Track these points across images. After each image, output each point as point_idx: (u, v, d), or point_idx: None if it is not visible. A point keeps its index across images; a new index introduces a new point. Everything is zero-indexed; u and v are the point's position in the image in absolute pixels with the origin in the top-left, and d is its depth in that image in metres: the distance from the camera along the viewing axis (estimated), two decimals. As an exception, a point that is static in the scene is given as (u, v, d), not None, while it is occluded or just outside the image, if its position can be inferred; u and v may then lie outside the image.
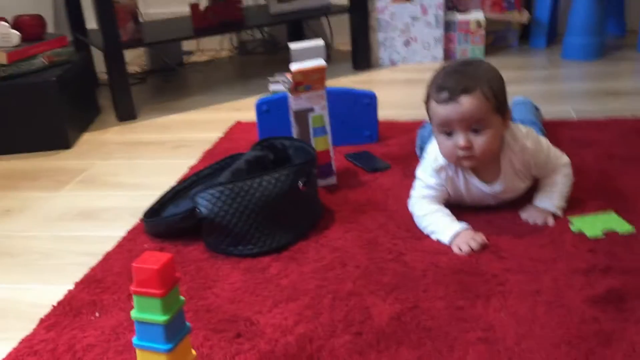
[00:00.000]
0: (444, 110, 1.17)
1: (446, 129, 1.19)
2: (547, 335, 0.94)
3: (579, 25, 2.45)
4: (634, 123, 1.73)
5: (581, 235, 1.20)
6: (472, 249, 1.17)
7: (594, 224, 1.22)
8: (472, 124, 1.16)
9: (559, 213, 1.26)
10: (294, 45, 1.39)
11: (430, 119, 1.24)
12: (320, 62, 1.40)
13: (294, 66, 1.38)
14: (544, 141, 1.27)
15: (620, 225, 1.21)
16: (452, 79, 1.17)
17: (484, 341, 0.94)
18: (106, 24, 2.07)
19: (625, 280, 1.05)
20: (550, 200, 1.27)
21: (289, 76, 1.41)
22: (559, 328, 0.95)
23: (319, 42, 1.40)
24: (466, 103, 1.15)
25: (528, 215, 1.27)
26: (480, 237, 1.19)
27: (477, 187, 1.27)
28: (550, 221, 1.25)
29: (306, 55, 1.40)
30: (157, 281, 0.79)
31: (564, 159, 1.28)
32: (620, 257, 1.12)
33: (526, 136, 1.24)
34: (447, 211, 1.26)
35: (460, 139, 1.17)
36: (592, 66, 2.38)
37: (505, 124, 1.21)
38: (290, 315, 1.04)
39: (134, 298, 0.80)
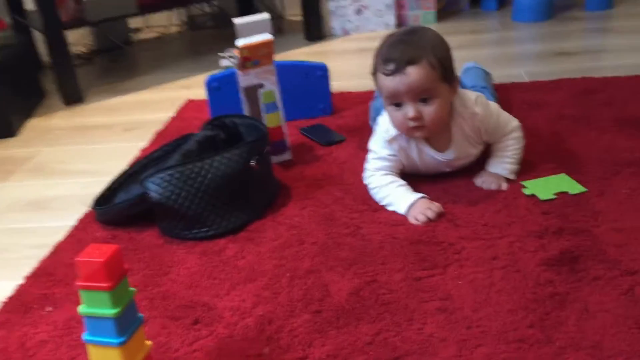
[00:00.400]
0: (391, 82, 1.15)
1: (395, 100, 1.18)
2: (504, 301, 0.95)
3: (528, -13, 2.45)
4: (583, 83, 1.75)
5: (534, 198, 1.21)
6: (429, 219, 1.17)
7: (546, 187, 1.23)
8: (420, 94, 1.15)
9: (512, 177, 1.27)
10: (238, 20, 1.35)
11: (378, 90, 1.22)
12: (267, 36, 1.37)
13: (240, 42, 1.34)
14: (494, 106, 1.27)
15: (571, 186, 1.22)
16: (397, 50, 1.15)
17: (443, 311, 0.94)
18: (44, 4, 1.98)
19: (577, 241, 1.06)
20: (503, 164, 1.27)
21: (236, 52, 1.37)
22: (514, 293, 0.96)
23: (265, 16, 1.37)
24: (413, 74, 1.13)
25: (482, 181, 1.27)
26: (436, 206, 1.19)
27: (430, 156, 1.26)
28: (504, 186, 1.25)
29: (252, 29, 1.37)
30: (103, 274, 0.76)
31: (514, 122, 1.29)
32: (572, 218, 1.13)
33: (475, 102, 1.24)
34: (402, 182, 1.26)
35: (409, 110, 1.16)
36: (542, 27, 2.40)
37: (454, 91, 1.20)
38: (248, 297, 1.02)
39: (81, 293, 0.77)
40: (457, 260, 1.06)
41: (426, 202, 1.20)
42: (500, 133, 1.27)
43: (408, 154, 1.27)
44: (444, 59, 1.16)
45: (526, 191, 1.23)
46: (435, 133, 1.22)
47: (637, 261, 1.00)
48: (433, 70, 1.14)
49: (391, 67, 1.15)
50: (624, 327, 0.87)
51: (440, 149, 1.26)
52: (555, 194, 1.20)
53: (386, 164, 1.27)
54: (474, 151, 1.29)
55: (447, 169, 1.30)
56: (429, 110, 1.17)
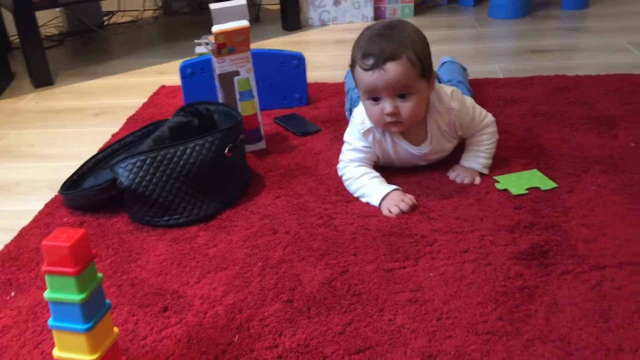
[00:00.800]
0: (370, 77, 1.14)
1: (372, 95, 1.17)
2: (474, 294, 0.95)
3: (505, -16, 2.47)
4: (557, 80, 1.77)
5: (506, 193, 1.22)
6: (402, 211, 1.17)
7: (518, 182, 1.24)
8: (398, 90, 1.15)
9: (486, 171, 1.28)
10: (214, 6, 1.33)
11: (356, 84, 1.22)
12: (243, 22, 1.35)
13: (216, 27, 1.32)
14: (469, 101, 1.28)
15: (543, 182, 1.24)
16: (377, 45, 1.14)
17: (413, 302, 0.94)
18: (14, -17, 1.92)
19: (548, 236, 1.08)
20: (477, 159, 1.28)
21: (211, 39, 1.35)
22: (485, 286, 0.97)
23: (242, 2, 1.34)
24: (392, 70, 1.12)
25: (456, 174, 1.28)
26: (409, 199, 1.19)
27: (405, 149, 1.26)
28: (477, 180, 1.26)
29: (229, 15, 1.34)
30: (70, 259, 0.74)
31: (489, 117, 1.29)
32: (543, 213, 1.14)
33: (451, 97, 1.24)
34: (376, 174, 1.25)
35: (387, 106, 1.16)
36: (518, 24, 2.42)
37: (431, 87, 1.20)
38: (218, 286, 1.01)
39: (47, 278, 0.75)
40: (429, 253, 1.06)
41: (399, 195, 1.20)
42: (475, 128, 1.28)
43: (383, 146, 1.27)
44: (423, 55, 1.15)
45: (499, 186, 1.24)
46: (411, 128, 1.22)
47: (605, 257, 1.01)
48: (412, 66, 1.13)
49: (370, 62, 1.14)
50: (591, 320, 0.88)
51: (415, 142, 1.26)
52: (527, 189, 1.22)
53: (360, 155, 1.27)
54: (449, 145, 1.29)
55: (422, 163, 1.31)
56: (406, 106, 1.16)
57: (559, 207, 1.16)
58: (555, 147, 1.38)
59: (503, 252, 1.04)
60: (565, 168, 1.29)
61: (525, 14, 2.50)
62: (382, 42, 1.14)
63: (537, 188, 1.22)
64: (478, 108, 1.28)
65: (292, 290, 0.99)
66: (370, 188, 1.22)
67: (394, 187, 1.21)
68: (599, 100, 1.60)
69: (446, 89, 1.25)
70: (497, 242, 1.07)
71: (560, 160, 1.33)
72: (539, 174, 1.27)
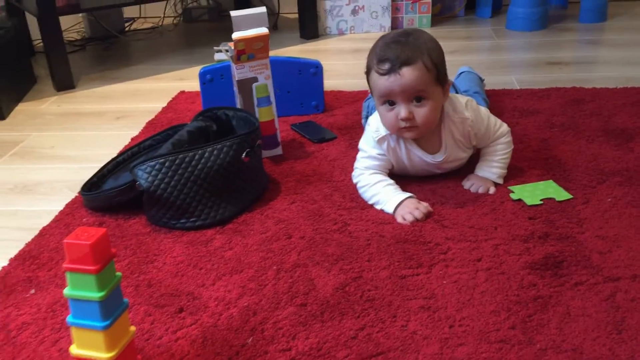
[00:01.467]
0: (385, 82, 1.16)
1: (388, 99, 1.18)
2: (487, 302, 0.96)
3: (523, -4, 2.48)
4: (573, 92, 1.77)
5: (521, 203, 1.22)
6: (416, 219, 1.18)
7: (533, 193, 1.24)
8: (414, 95, 1.16)
9: (500, 181, 1.29)
10: (235, 13, 1.35)
11: (371, 90, 1.23)
12: (263, 29, 1.37)
13: (236, 34, 1.34)
14: (484, 111, 1.28)
15: (558, 193, 1.24)
16: (393, 50, 1.15)
17: (426, 309, 0.95)
18: (39, -12, 1.96)
19: (562, 246, 1.08)
20: (491, 169, 1.29)
21: (231, 45, 1.37)
22: (498, 294, 0.97)
23: (262, 10, 1.36)
24: (407, 74, 1.14)
25: (470, 184, 1.28)
26: (423, 207, 1.20)
27: (419, 158, 1.27)
28: (492, 189, 1.27)
29: (249, 23, 1.37)
30: (90, 257, 0.76)
31: (504, 127, 1.30)
32: (557, 224, 1.14)
33: (466, 107, 1.25)
34: (391, 181, 1.26)
35: (402, 110, 1.17)
36: (535, 36, 2.42)
37: (446, 94, 1.21)
38: (233, 288, 1.03)
39: (67, 275, 0.77)
40: (443, 260, 1.06)
41: (414, 202, 1.21)
42: (490, 138, 1.28)
43: (397, 154, 1.28)
44: (438, 62, 1.17)
45: (513, 196, 1.24)
46: (425, 134, 1.23)
47: (619, 268, 1.01)
48: (427, 71, 1.15)
49: (386, 66, 1.15)
50: (604, 332, 0.88)
51: (429, 151, 1.27)
52: (542, 200, 1.22)
53: (375, 163, 1.28)
54: (464, 155, 1.30)
55: (437, 171, 1.31)
56: (421, 112, 1.17)
57: (574, 218, 1.16)
58: (571, 159, 1.38)
59: (517, 262, 1.05)
60: (580, 179, 1.29)
61: (542, 26, 2.50)
62: (398, 47, 1.15)
63: (552, 199, 1.22)
64: (493, 118, 1.29)
65: (306, 295, 1.00)
66: (384, 195, 1.23)
67: (409, 194, 1.22)
68: (615, 113, 1.60)
69: (461, 99, 1.26)
70: (511, 252, 1.07)
71: (575, 171, 1.33)
72: (555, 184, 1.27)
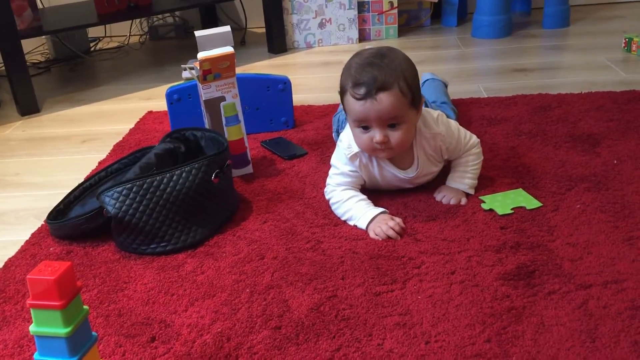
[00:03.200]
0: (361, 107, 1.15)
1: (363, 124, 1.18)
2: (462, 316, 0.95)
3: (487, 4, 2.50)
4: (540, 99, 1.79)
5: (492, 213, 1.22)
6: (388, 235, 1.17)
7: (504, 202, 1.25)
8: (389, 121, 1.16)
9: (471, 192, 1.29)
10: (199, 33, 1.34)
11: (345, 111, 1.22)
12: (228, 48, 1.36)
13: (201, 54, 1.33)
14: (454, 125, 1.29)
15: (528, 201, 1.25)
16: (368, 74, 1.13)
17: (402, 326, 0.95)
18: (0, 13, 1.92)
19: (533, 255, 1.08)
20: (462, 180, 1.29)
21: (197, 64, 1.36)
22: (472, 307, 0.97)
23: (226, 29, 1.36)
24: (384, 100, 1.13)
25: (442, 196, 1.29)
26: (395, 223, 1.19)
27: (392, 174, 1.27)
28: (464, 200, 1.27)
29: (213, 42, 1.36)
30: (55, 292, 0.74)
31: (474, 139, 1.31)
32: (528, 233, 1.15)
33: (437, 122, 1.25)
34: (363, 197, 1.26)
35: (377, 135, 1.16)
36: (500, 44, 2.45)
37: (419, 113, 1.21)
38: (207, 314, 1.01)
39: (32, 312, 0.75)
40: (417, 275, 1.06)
41: (386, 218, 1.20)
42: (460, 150, 1.29)
43: (369, 170, 1.27)
44: (413, 84, 1.16)
45: (485, 206, 1.25)
46: (399, 154, 1.23)
47: (590, 275, 1.02)
48: (403, 97, 1.14)
49: (362, 91, 1.14)
50: (578, 341, 0.89)
51: (401, 167, 1.27)
52: (513, 209, 1.23)
53: (347, 179, 1.28)
54: (435, 169, 1.31)
55: (409, 186, 1.31)
56: (396, 135, 1.17)
57: (544, 226, 1.17)
58: (539, 166, 1.39)
59: (490, 273, 1.05)
60: (549, 187, 1.30)
61: (507, 33, 2.53)
62: (374, 71, 1.13)
63: (522, 207, 1.23)
64: (463, 131, 1.30)
65: (281, 317, 0.99)
66: (357, 211, 1.23)
67: (381, 209, 1.22)
68: (581, 118, 1.62)
69: (432, 113, 1.27)
70: (484, 263, 1.08)
71: (544, 179, 1.34)
72: (524, 193, 1.28)
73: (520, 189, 1.29)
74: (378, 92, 1.13)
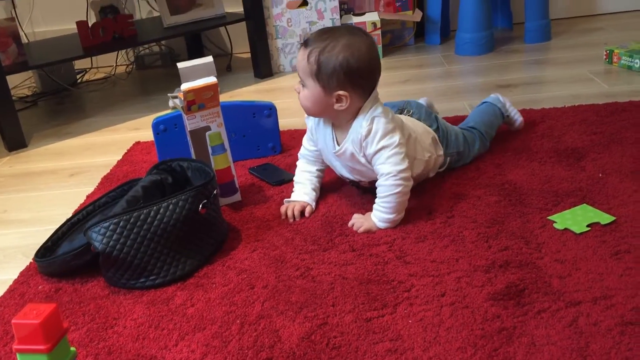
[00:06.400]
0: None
1: None
2: (453, 339, 0.95)
3: (468, 21, 2.53)
4: (524, 114, 1.78)
5: (478, 232, 1.22)
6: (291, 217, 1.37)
7: (575, 220, 1.22)
8: (299, 76, 1.29)
9: (382, 225, 1.28)
10: (182, 65, 1.35)
11: None
12: (211, 79, 1.37)
13: (184, 85, 1.34)
14: (390, 140, 1.26)
15: (600, 217, 1.22)
16: (312, 34, 1.28)
17: (393, 352, 0.94)
18: (-16, 49, 1.93)
19: (522, 274, 1.09)
20: (375, 210, 1.29)
21: (181, 96, 1.37)
22: (463, 330, 0.97)
23: (208, 59, 1.37)
24: (299, 55, 1.29)
25: (353, 221, 1.31)
26: (293, 210, 1.37)
27: (325, 142, 1.36)
28: (373, 229, 1.28)
29: (197, 73, 1.37)
30: (41, 336, 0.74)
31: (393, 168, 1.25)
32: (517, 250, 1.15)
33: (376, 122, 1.26)
34: (306, 177, 1.43)
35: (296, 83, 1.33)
36: (483, 60, 2.47)
37: (329, 95, 1.25)
38: (197, 347, 1.00)
39: (18, 356, 0.75)
40: (407, 299, 1.06)
41: (298, 205, 1.38)
42: (376, 163, 1.28)
43: (319, 133, 1.37)
44: (325, 64, 1.23)
45: (558, 226, 1.21)
46: (312, 115, 1.35)
47: (580, 292, 1.02)
48: (307, 63, 1.25)
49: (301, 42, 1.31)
50: (569, 359, 0.88)
51: (338, 139, 1.34)
52: (588, 226, 1.20)
53: (307, 152, 1.45)
54: (359, 162, 1.31)
55: (347, 174, 1.38)
56: (301, 94, 1.30)
57: (532, 243, 1.17)
58: (526, 182, 1.40)
59: (480, 294, 1.05)
60: (536, 203, 1.31)
61: (490, 49, 2.56)
62: (316, 33, 1.28)
63: (597, 223, 1.20)
64: (393, 152, 1.26)
65: (272, 348, 0.98)
66: (295, 188, 1.43)
67: (303, 197, 1.40)
68: (565, 132, 1.64)
69: (377, 112, 1.27)
70: (474, 284, 1.08)
71: (531, 195, 1.35)
72: (591, 208, 1.25)
73: (585, 204, 1.27)
74: (300, 47, 1.29)
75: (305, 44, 1.27)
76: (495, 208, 1.31)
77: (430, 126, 1.45)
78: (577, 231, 1.19)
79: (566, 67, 2.24)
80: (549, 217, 1.25)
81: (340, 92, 1.25)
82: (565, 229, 1.20)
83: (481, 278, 1.09)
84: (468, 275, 1.10)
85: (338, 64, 1.23)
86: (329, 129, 1.34)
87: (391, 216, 1.27)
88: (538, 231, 1.21)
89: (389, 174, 1.26)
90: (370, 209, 1.31)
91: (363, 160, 1.30)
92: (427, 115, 1.48)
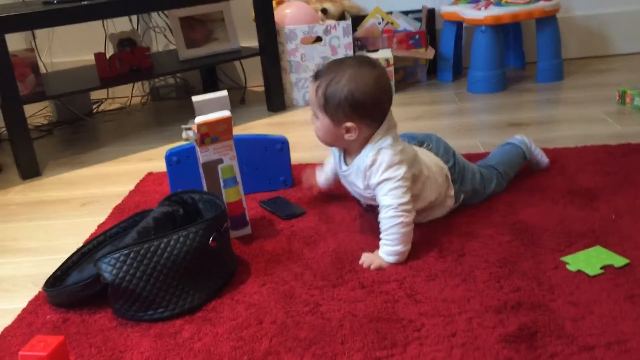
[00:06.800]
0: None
1: None
2: (464, 381, 0.94)
3: (481, 60, 2.55)
4: (536, 153, 1.80)
5: (489, 272, 1.21)
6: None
7: (589, 262, 1.20)
8: (312, 108, 1.35)
9: (390, 259, 1.27)
10: (196, 98, 1.37)
11: None
12: (225, 112, 1.38)
13: (199, 118, 1.35)
14: (395, 172, 1.28)
15: (614, 259, 1.21)
16: (325, 65, 1.33)
17: (402, 393, 0.93)
18: (2, 78, 1.96)
19: (535, 315, 1.07)
20: (382, 245, 1.29)
21: (194, 128, 1.38)
22: (474, 372, 0.95)
23: (223, 93, 1.39)
24: (310, 88, 1.33)
25: (363, 259, 1.30)
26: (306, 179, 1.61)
27: (338, 162, 1.41)
28: (384, 265, 1.27)
29: (211, 107, 1.38)
30: (47, 369, 0.73)
31: (393, 201, 1.27)
32: (529, 292, 1.14)
33: (382, 153, 1.29)
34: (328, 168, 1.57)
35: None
36: (496, 98, 2.48)
37: (338, 127, 1.30)
38: (203, 383, 0.99)
39: (24, 388, 0.74)
40: (417, 338, 1.05)
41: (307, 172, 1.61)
42: (378, 194, 1.30)
43: (333, 147, 1.43)
44: (332, 96, 1.28)
45: (571, 267, 1.20)
46: (327, 145, 1.40)
47: (593, 336, 1.00)
48: (316, 96, 1.31)
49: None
50: (583, 406, 0.86)
51: (347, 162, 1.39)
52: (602, 268, 1.18)
53: (330, 159, 1.54)
54: (361, 185, 1.34)
55: (359, 197, 1.42)
56: (315, 125, 1.36)
57: (545, 285, 1.16)
58: (538, 222, 1.39)
59: (491, 335, 1.03)
60: (549, 243, 1.30)
61: (502, 88, 2.57)
62: (325, 65, 1.33)
63: (611, 265, 1.19)
64: (396, 184, 1.27)
65: (279, 385, 0.97)
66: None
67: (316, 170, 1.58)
68: (578, 172, 1.63)
69: (385, 143, 1.29)
70: (485, 325, 1.06)
71: (543, 235, 1.33)
72: (605, 250, 1.24)
73: (598, 246, 1.25)
74: (311, 79, 1.33)
75: (315, 76, 1.32)
76: (507, 247, 1.30)
77: (447, 162, 1.45)
78: (591, 273, 1.17)
79: (578, 107, 2.25)
80: (562, 258, 1.23)
81: (348, 124, 1.30)
82: (579, 271, 1.19)
83: (493, 319, 1.07)
84: (479, 316, 1.09)
85: (343, 97, 1.27)
86: (340, 152, 1.41)
87: (397, 248, 1.27)
88: (551, 272, 1.19)
89: (390, 206, 1.27)
90: (382, 246, 1.30)
91: (362, 187, 1.35)
92: (445, 150, 1.48)
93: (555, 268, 1.21)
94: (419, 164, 1.34)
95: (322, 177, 1.59)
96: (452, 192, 1.43)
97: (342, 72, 1.28)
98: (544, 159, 1.66)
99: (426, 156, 1.41)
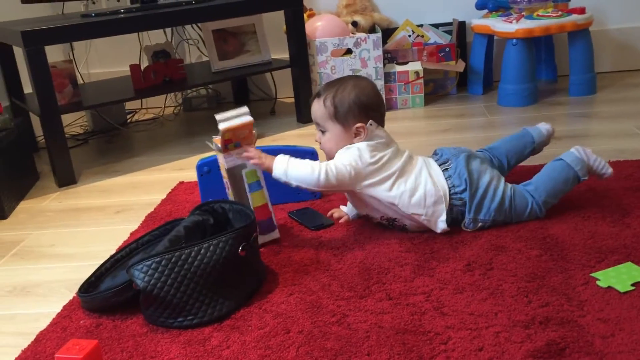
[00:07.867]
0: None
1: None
2: (490, 396, 0.93)
3: (512, 73, 2.54)
4: (567, 168, 1.78)
5: (517, 286, 1.21)
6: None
7: (619, 278, 1.19)
8: (317, 125, 1.47)
9: (273, 168, 1.41)
10: (219, 116, 1.42)
11: None
12: (247, 118, 1.43)
13: (222, 124, 1.40)
14: (348, 150, 1.42)
15: None
16: (325, 85, 1.47)
17: (428, 406, 0.93)
18: (42, 89, 2.03)
19: (563, 332, 1.06)
20: (289, 160, 1.43)
21: (216, 141, 1.44)
22: (501, 387, 0.95)
23: (244, 109, 1.45)
24: (313, 106, 1.46)
25: (261, 154, 1.44)
26: (336, 217, 1.59)
27: None
28: (264, 165, 1.43)
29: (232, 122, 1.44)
30: (82, 371, 0.75)
31: (333, 162, 1.41)
32: (558, 307, 1.13)
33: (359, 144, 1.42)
34: None
35: (317, 134, 1.50)
36: (527, 112, 2.47)
37: (349, 132, 1.43)
38: (231, 390, 1.00)
39: (59, 390, 0.77)
40: (444, 351, 1.05)
41: (339, 212, 1.59)
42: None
43: None
44: (340, 104, 1.41)
45: (601, 284, 1.19)
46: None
47: (623, 353, 0.99)
48: (325, 108, 1.43)
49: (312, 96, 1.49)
50: None
51: None
52: (632, 285, 1.17)
53: None
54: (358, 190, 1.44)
55: (375, 214, 1.47)
56: (324, 139, 1.47)
57: (574, 301, 1.15)
58: (568, 237, 1.38)
59: (519, 350, 1.03)
60: (579, 259, 1.29)
61: (533, 101, 2.55)
62: (326, 85, 1.46)
63: None
64: (344, 157, 1.40)
65: (305, 395, 0.98)
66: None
67: (344, 210, 1.60)
68: (610, 188, 1.61)
69: (368, 146, 1.41)
70: (513, 339, 1.06)
71: (573, 250, 1.32)
72: (635, 266, 1.23)
73: (630, 263, 1.24)
74: (313, 99, 1.47)
75: (318, 94, 1.46)
76: (536, 262, 1.29)
77: (456, 185, 1.42)
78: (621, 290, 1.16)
79: (611, 121, 2.22)
80: (592, 274, 1.22)
81: (358, 125, 1.42)
82: (609, 287, 1.18)
83: (520, 334, 1.07)
84: (507, 330, 1.08)
85: (352, 100, 1.42)
86: None
87: (285, 169, 1.39)
88: (580, 288, 1.18)
89: (327, 163, 1.39)
90: (409, 258, 1.31)
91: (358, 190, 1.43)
92: (459, 175, 1.42)
93: (585, 284, 1.19)
94: (390, 168, 1.41)
95: (348, 209, 1.60)
96: (443, 217, 1.41)
97: (344, 83, 1.44)
98: (607, 171, 1.51)
99: (434, 172, 1.44)
